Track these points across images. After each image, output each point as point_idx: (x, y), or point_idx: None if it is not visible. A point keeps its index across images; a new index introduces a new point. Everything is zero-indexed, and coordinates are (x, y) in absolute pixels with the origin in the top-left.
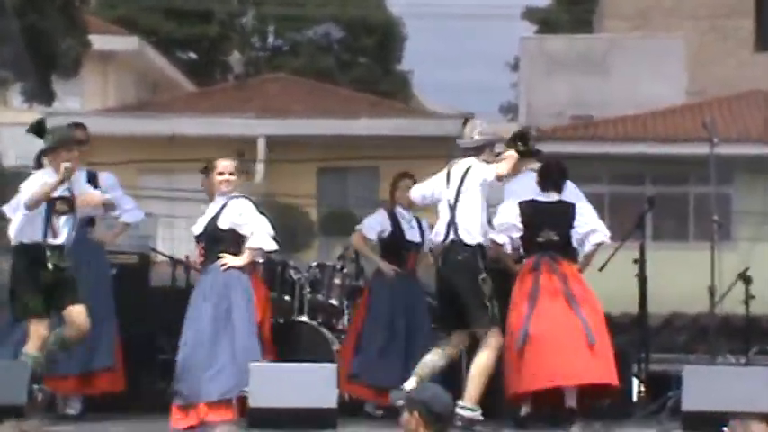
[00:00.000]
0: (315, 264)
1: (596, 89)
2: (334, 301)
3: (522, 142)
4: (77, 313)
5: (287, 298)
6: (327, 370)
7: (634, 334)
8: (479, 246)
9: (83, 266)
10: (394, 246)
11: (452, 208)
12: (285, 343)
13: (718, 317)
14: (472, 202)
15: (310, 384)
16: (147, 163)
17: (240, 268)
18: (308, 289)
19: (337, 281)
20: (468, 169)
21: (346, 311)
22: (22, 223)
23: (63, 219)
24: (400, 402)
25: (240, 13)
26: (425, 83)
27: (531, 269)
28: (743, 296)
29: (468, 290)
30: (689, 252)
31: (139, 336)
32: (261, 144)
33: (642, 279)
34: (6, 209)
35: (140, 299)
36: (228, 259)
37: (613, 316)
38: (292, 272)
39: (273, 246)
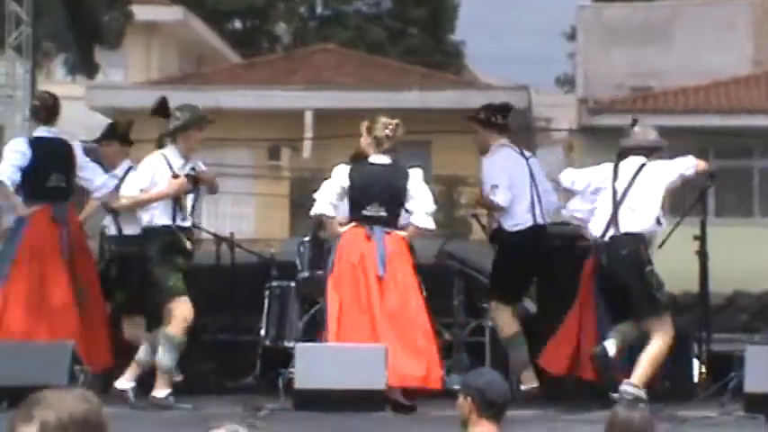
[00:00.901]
0: None
1: (657, 59)
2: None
3: (503, 116)
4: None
5: None
6: (377, 351)
7: (695, 313)
8: (642, 238)
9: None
10: None
11: (618, 203)
12: None
13: None
14: (646, 198)
15: (359, 365)
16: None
17: None
18: None
19: None
20: (642, 166)
21: None
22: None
23: (189, 198)
24: (456, 386)
25: None
26: (479, 54)
27: None
28: None
29: (637, 284)
30: (753, 228)
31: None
32: (308, 117)
33: (703, 256)
34: (125, 190)
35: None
36: None
37: (674, 295)
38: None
39: None
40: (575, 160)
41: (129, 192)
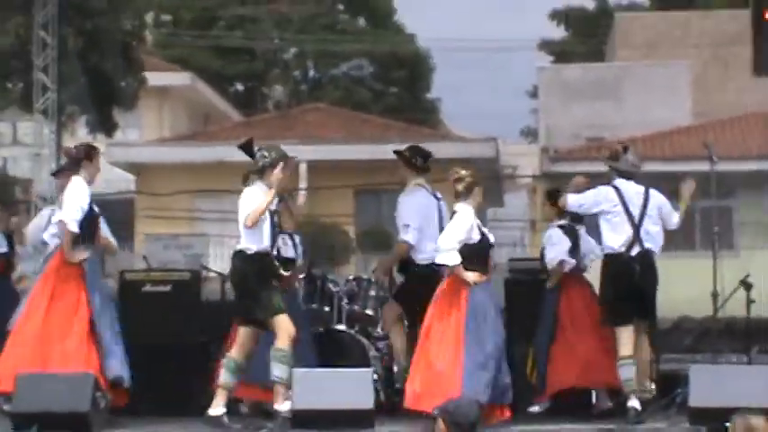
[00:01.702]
0: (352, 277)
1: (609, 113)
2: (369, 312)
3: (423, 159)
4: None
5: (326, 309)
6: (364, 374)
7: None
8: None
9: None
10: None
11: (638, 224)
12: (325, 350)
13: (721, 320)
14: (657, 223)
15: (349, 388)
16: (200, 188)
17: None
18: (346, 300)
19: (372, 293)
20: (647, 191)
21: (381, 321)
22: (251, 233)
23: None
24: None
25: (282, 50)
26: (452, 110)
27: None
28: (744, 300)
29: (654, 293)
30: (696, 260)
31: (193, 345)
32: (303, 168)
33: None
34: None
35: (193, 311)
36: None
37: None
38: (331, 285)
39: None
40: (536, 202)
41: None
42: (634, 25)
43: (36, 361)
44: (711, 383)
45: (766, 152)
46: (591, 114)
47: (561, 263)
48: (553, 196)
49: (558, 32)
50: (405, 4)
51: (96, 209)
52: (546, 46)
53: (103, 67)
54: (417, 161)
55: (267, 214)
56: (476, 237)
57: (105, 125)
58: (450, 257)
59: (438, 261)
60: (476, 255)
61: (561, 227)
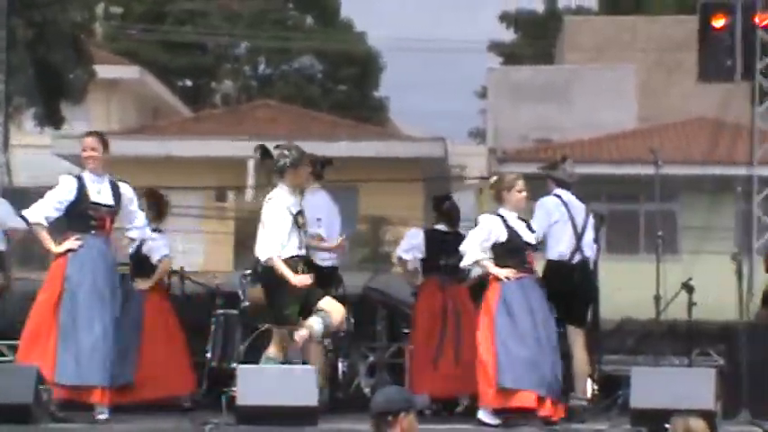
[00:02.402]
0: None
1: (557, 115)
2: None
3: (322, 166)
4: (330, 302)
5: None
6: (308, 371)
7: (588, 338)
8: None
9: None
10: None
11: (580, 233)
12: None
13: (663, 323)
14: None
15: (293, 384)
16: (148, 182)
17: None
18: None
19: None
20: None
21: None
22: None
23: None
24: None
25: (232, 46)
26: (401, 109)
27: None
28: (686, 304)
29: (591, 298)
30: (639, 263)
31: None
32: (250, 165)
33: (595, 288)
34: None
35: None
36: None
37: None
38: None
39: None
40: (484, 202)
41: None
42: (582, 29)
43: None
44: (652, 385)
45: (710, 157)
46: (539, 116)
47: None
48: (440, 202)
49: (507, 35)
50: (352, 2)
51: None
52: (495, 48)
53: (52, 60)
54: (317, 168)
55: (291, 217)
56: (501, 237)
57: (53, 118)
58: (467, 258)
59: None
60: (507, 252)
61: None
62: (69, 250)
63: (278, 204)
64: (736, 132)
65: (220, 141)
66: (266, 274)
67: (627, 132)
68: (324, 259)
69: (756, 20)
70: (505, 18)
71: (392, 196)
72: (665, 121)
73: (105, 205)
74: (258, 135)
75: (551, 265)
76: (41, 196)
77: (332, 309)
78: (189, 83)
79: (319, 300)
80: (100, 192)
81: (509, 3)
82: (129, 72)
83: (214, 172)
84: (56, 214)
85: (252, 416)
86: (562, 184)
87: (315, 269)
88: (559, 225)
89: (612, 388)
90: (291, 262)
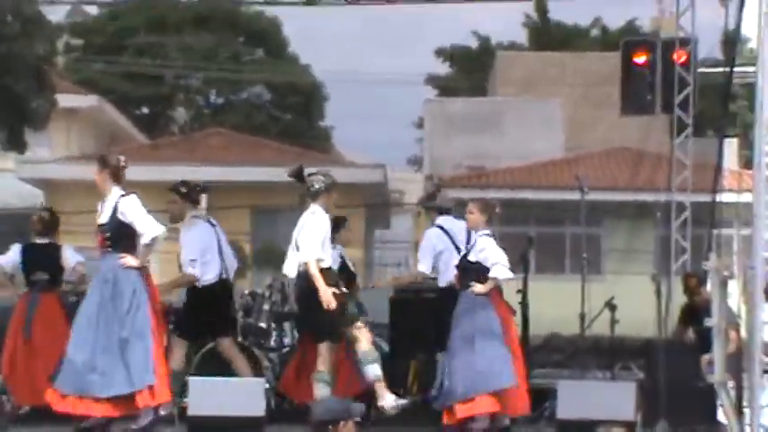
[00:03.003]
0: (247, 292)
1: (489, 144)
2: (263, 324)
3: (198, 192)
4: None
5: None
6: (256, 383)
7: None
8: None
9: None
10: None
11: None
12: (222, 360)
13: (588, 338)
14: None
15: (241, 396)
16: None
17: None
18: (241, 313)
19: (266, 307)
20: (469, 233)
21: (273, 333)
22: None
23: None
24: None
25: (187, 76)
26: (344, 137)
27: None
28: (609, 321)
29: None
30: (565, 283)
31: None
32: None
33: (524, 306)
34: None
35: None
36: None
37: None
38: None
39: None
40: (421, 225)
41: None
42: (513, 64)
43: None
44: (578, 397)
45: (632, 185)
46: (472, 145)
47: None
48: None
49: (443, 69)
50: (299, 37)
51: None
52: (432, 81)
53: (16, 89)
54: (193, 195)
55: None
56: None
57: (16, 143)
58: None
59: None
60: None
61: None
62: None
63: (323, 217)
64: (656, 162)
65: (175, 167)
66: (309, 283)
67: (555, 161)
68: None
69: (675, 57)
70: (441, 53)
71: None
72: (591, 150)
73: (100, 224)
74: (211, 161)
75: (444, 292)
76: (5, 217)
77: (363, 335)
78: (146, 111)
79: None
80: (102, 211)
81: (444, 38)
82: (88, 101)
83: (169, 197)
84: None
85: (201, 426)
86: (442, 211)
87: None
88: (445, 255)
89: (540, 400)
90: (328, 273)
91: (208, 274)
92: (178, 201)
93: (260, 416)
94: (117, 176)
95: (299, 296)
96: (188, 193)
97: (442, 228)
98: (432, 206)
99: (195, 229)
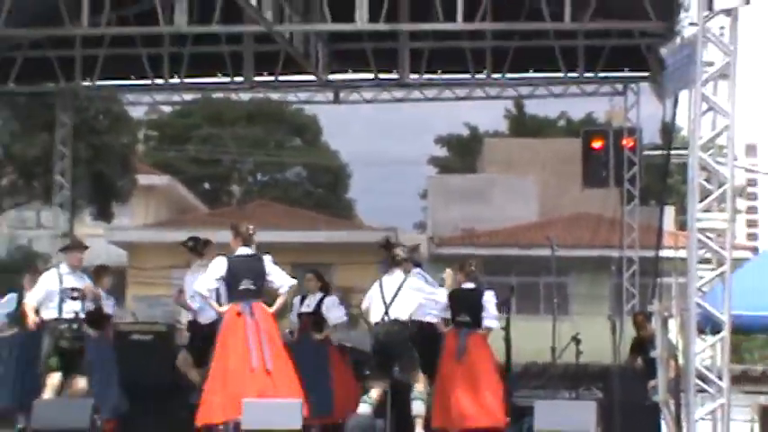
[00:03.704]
0: (287, 330)
1: (478, 211)
2: None
3: (203, 246)
4: None
5: None
6: (293, 404)
7: (502, 378)
8: None
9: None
10: None
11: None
12: None
13: (558, 366)
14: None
15: (283, 413)
16: (175, 262)
17: None
18: None
19: None
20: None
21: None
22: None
23: None
24: None
25: (240, 160)
26: (364, 207)
27: None
28: (574, 352)
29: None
30: (539, 322)
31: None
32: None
33: (508, 340)
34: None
35: (168, 356)
36: None
37: None
38: None
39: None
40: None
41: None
42: (497, 148)
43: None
44: (550, 414)
45: (592, 243)
46: (466, 212)
47: None
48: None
49: (442, 152)
50: (330, 127)
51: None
52: (433, 161)
53: (106, 172)
54: (198, 248)
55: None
56: None
57: (105, 214)
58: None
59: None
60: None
61: None
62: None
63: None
64: (611, 225)
65: (229, 231)
66: (406, 329)
67: (530, 224)
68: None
69: (624, 143)
70: (440, 140)
71: (357, 272)
72: (559, 216)
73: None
74: (259, 226)
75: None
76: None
77: (421, 377)
78: (207, 187)
79: None
80: None
81: (443, 128)
82: (162, 180)
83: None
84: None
85: None
86: (417, 264)
87: None
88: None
89: (521, 415)
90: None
91: (205, 314)
92: (186, 253)
93: (298, 429)
94: (247, 241)
95: (406, 339)
96: (194, 246)
97: (420, 274)
98: (414, 259)
99: (197, 274)
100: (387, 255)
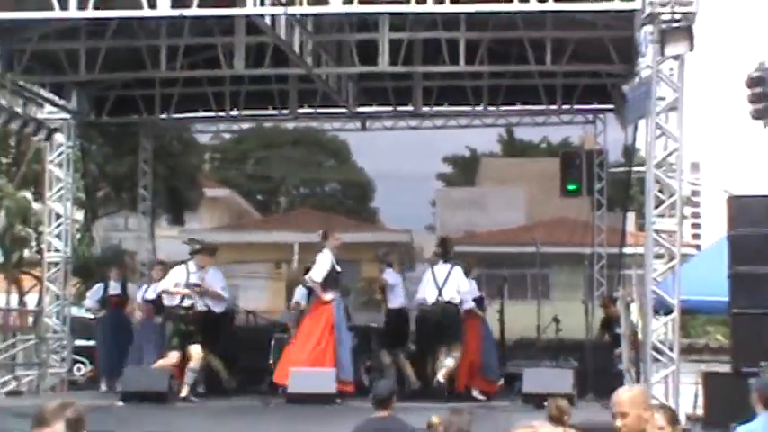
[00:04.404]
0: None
1: (477, 217)
2: None
3: (214, 251)
4: None
5: None
6: (329, 372)
7: (498, 351)
8: None
9: None
10: None
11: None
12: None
13: (542, 340)
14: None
15: (318, 379)
16: (235, 258)
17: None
18: None
19: None
20: None
21: None
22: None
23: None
24: None
25: (286, 176)
26: (385, 214)
27: None
28: (555, 329)
29: None
30: (527, 306)
31: (230, 355)
32: (296, 246)
33: (501, 321)
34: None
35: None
36: None
37: None
38: None
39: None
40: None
41: None
42: (492, 166)
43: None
44: (536, 378)
45: (569, 242)
46: (467, 218)
47: None
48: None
49: (448, 169)
50: (358, 149)
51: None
52: (441, 177)
53: (179, 187)
54: (210, 251)
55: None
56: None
57: (179, 220)
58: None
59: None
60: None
61: None
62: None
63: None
64: (584, 227)
65: (278, 233)
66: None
67: (519, 227)
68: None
69: (594, 162)
70: (446, 159)
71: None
72: (542, 220)
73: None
74: (301, 230)
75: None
76: (172, 266)
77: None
78: (260, 198)
79: None
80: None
81: (449, 150)
82: (223, 193)
83: (274, 251)
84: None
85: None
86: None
87: None
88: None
89: (513, 380)
90: None
91: (220, 305)
92: (204, 255)
93: (332, 393)
94: (336, 247)
95: (456, 316)
96: (209, 248)
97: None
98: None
99: (218, 272)
100: (441, 250)
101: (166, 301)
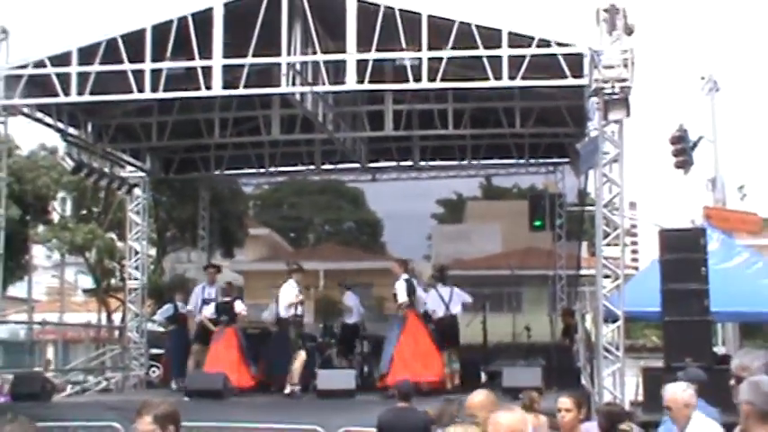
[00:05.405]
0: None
1: (464, 248)
2: None
3: (213, 266)
4: None
5: None
6: (350, 372)
7: (481, 352)
8: None
9: None
10: None
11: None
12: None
13: (518, 344)
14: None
15: (342, 377)
16: (273, 283)
17: None
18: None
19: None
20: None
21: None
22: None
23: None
24: None
25: (313, 218)
26: (391, 246)
27: None
28: (526, 335)
29: None
30: (504, 317)
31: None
32: (321, 273)
33: (484, 329)
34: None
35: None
36: None
37: (473, 344)
38: None
39: None
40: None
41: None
42: (475, 207)
43: None
44: (513, 375)
45: (536, 266)
46: (456, 248)
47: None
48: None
49: (440, 210)
50: (370, 195)
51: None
52: (435, 216)
53: (229, 227)
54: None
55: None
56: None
57: (229, 253)
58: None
59: None
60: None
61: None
62: None
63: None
64: (548, 254)
65: (307, 262)
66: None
67: (497, 255)
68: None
69: (555, 203)
70: (439, 202)
71: (388, 287)
72: (515, 249)
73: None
74: (324, 260)
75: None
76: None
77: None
78: (293, 235)
79: None
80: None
81: (441, 194)
82: (263, 231)
83: (304, 277)
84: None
85: (329, 395)
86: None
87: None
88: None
89: (495, 377)
90: None
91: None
92: (214, 274)
93: (352, 388)
94: (406, 270)
95: (457, 326)
96: (219, 268)
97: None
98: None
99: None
100: (439, 275)
101: (285, 312)
